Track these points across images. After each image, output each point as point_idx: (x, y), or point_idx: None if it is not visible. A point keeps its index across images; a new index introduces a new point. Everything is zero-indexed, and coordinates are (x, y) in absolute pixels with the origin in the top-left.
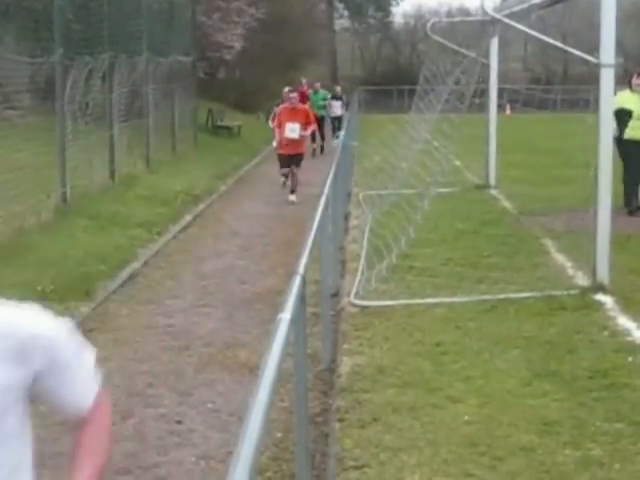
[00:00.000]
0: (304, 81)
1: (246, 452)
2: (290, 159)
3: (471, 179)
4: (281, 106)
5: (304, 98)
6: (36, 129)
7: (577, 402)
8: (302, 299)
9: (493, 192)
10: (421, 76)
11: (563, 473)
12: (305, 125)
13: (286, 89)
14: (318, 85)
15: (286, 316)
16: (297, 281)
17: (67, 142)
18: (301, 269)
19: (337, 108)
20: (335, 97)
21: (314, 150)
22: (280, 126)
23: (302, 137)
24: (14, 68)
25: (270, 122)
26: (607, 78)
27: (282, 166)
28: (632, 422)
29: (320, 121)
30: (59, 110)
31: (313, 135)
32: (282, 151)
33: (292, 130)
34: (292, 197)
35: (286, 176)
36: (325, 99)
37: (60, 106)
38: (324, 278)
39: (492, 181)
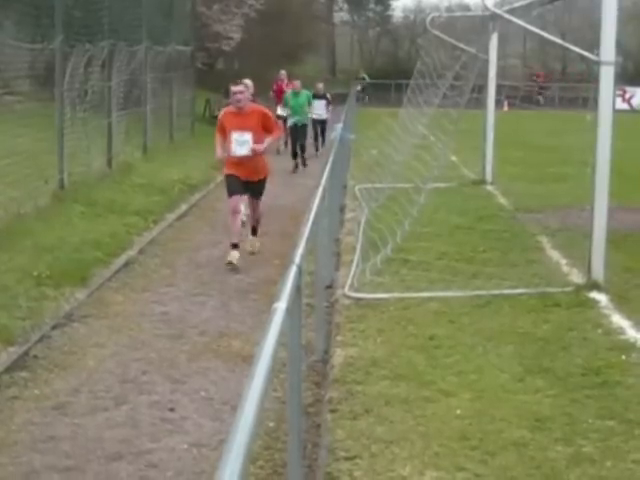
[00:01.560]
0: (283, 73)
1: (239, 440)
2: (246, 186)
3: (468, 174)
4: (224, 109)
5: (280, 95)
6: (35, 115)
7: (569, 399)
8: (298, 289)
9: (489, 188)
10: (415, 70)
11: (554, 469)
12: (259, 135)
13: (237, 87)
14: (298, 84)
15: (282, 305)
16: (293, 271)
17: (65, 129)
18: (297, 259)
19: (320, 109)
20: (317, 96)
21: (296, 166)
22: (225, 137)
23: (258, 153)
24: (14, 54)
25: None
26: (607, 76)
27: (231, 193)
28: (624, 420)
29: (302, 131)
30: (58, 97)
31: (293, 148)
32: (232, 171)
33: (240, 143)
34: (251, 246)
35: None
36: (309, 102)
37: (59, 93)
38: (319, 269)
39: (489, 177)
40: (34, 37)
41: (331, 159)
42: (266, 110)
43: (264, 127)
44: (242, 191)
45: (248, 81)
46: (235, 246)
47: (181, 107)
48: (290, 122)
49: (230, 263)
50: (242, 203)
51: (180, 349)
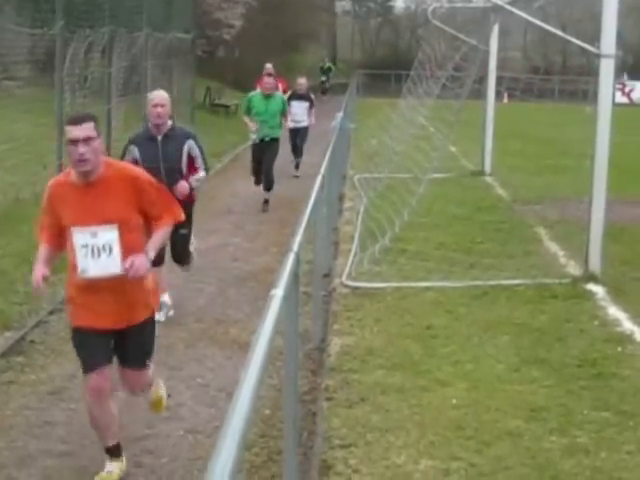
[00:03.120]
0: (269, 67)
1: (234, 427)
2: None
3: (467, 165)
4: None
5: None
6: (34, 101)
7: (565, 390)
8: (295, 277)
9: (488, 179)
10: (416, 60)
11: (549, 459)
12: (131, 232)
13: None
14: (271, 82)
15: (279, 292)
16: (291, 258)
17: (65, 114)
18: (295, 247)
19: (300, 113)
20: (297, 95)
21: (265, 201)
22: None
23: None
24: (14, 39)
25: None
26: (607, 69)
27: (88, 365)
28: (619, 411)
29: (269, 149)
30: (58, 82)
31: (256, 174)
32: (83, 319)
33: (94, 254)
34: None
35: None
36: (283, 110)
37: (59, 78)
38: (317, 258)
39: (488, 168)
40: (34, 22)
41: (330, 148)
42: (141, 174)
43: (144, 212)
44: (107, 356)
45: (162, 93)
46: (112, 452)
47: (181, 94)
48: (254, 138)
49: None
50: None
51: (177, 336)
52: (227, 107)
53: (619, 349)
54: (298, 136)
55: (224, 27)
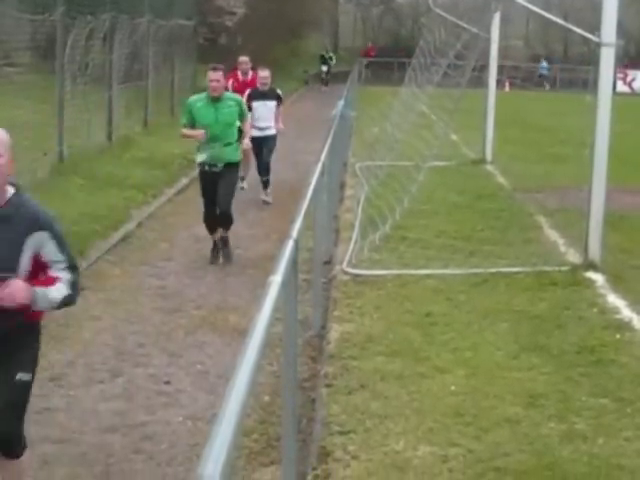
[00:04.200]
0: (244, 60)
1: (231, 412)
2: None
3: (467, 154)
4: None
5: (243, 91)
6: (35, 87)
7: (564, 376)
8: (294, 263)
9: (489, 167)
10: (418, 48)
11: (547, 445)
12: None
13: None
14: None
15: (277, 279)
16: (290, 245)
17: (65, 101)
18: (294, 233)
19: (265, 117)
20: (260, 94)
21: (214, 247)
22: None
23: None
24: (15, 25)
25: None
26: (607, 57)
27: None
28: (617, 398)
29: (223, 181)
30: (58, 69)
31: (207, 214)
32: None
33: None
34: None
35: None
36: (241, 113)
37: (60, 65)
38: (317, 245)
39: (488, 156)
40: (35, 8)
41: (331, 136)
42: None
43: None
44: None
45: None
46: None
47: (182, 82)
48: (200, 160)
49: None
50: None
51: (177, 323)
52: None
53: (618, 336)
54: (264, 147)
55: (226, 14)
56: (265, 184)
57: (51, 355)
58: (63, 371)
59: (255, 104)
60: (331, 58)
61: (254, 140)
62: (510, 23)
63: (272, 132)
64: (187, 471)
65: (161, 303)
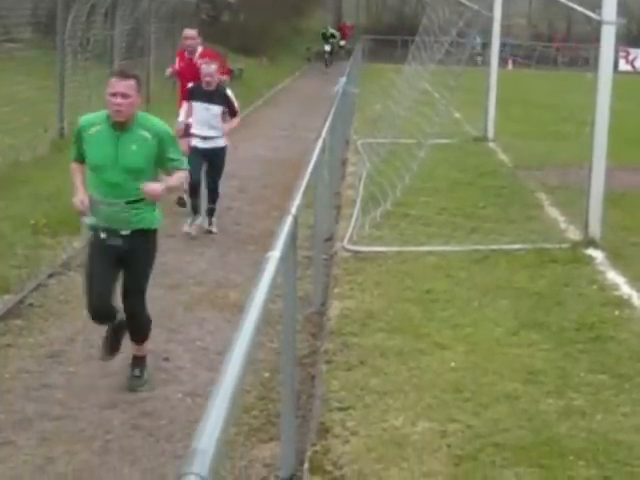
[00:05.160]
0: (191, 34)
1: (227, 385)
2: None
3: (470, 131)
4: None
5: (185, 79)
6: (36, 63)
7: (563, 353)
8: (293, 239)
9: (491, 145)
10: (421, 26)
11: (545, 421)
12: None
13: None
14: (126, 91)
15: (275, 254)
16: (289, 221)
17: (66, 77)
18: (293, 209)
19: (210, 124)
20: (203, 94)
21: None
22: None
23: None
24: (16, 0)
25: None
26: (608, 35)
27: None
28: (615, 374)
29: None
30: (59, 45)
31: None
32: None
33: None
34: None
35: None
36: (164, 154)
37: (61, 41)
38: (318, 222)
39: (490, 134)
40: None
41: (332, 113)
42: None
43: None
44: None
45: None
46: None
47: None
48: (89, 222)
49: None
50: None
51: (177, 299)
52: (231, 72)
53: (617, 313)
54: (209, 163)
55: None
56: (210, 212)
57: (50, 332)
58: (62, 348)
59: (195, 105)
60: (333, 36)
61: (197, 152)
62: (513, 1)
63: (220, 144)
64: (186, 447)
65: (161, 280)
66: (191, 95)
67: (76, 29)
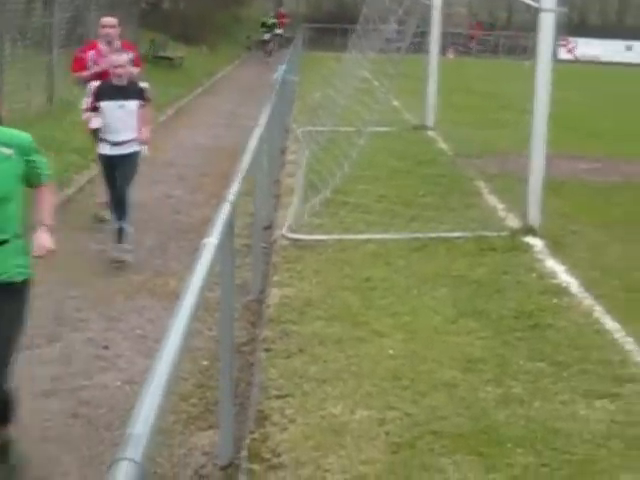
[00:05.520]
0: (109, 22)
1: (161, 371)
2: None
3: (410, 120)
4: None
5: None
6: None
7: (501, 341)
8: (230, 226)
9: (431, 133)
10: (362, 15)
11: (483, 409)
12: None
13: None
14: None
15: (212, 241)
16: (226, 208)
17: (5, 65)
18: (231, 197)
19: (122, 125)
20: (112, 89)
21: None
22: None
23: None
24: None
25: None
26: (546, 23)
27: None
28: (554, 362)
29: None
30: None
31: None
32: None
33: None
34: None
35: None
36: (30, 173)
37: None
38: (257, 210)
39: (430, 122)
40: None
41: (272, 101)
42: None
43: None
44: None
45: None
46: None
47: None
48: None
49: None
50: None
51: (116, 288)
52: (171, 59)
53: (555, 301)
54: (118, 172)
55: None
56: (120, 234)
57: None
58: None
59: (106, 106)
60: (274, 25)
61: (106, 159)
62: None
63: (133, 149)
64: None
65: (100, 268)
66: (99, 95)
67: (14, 16)
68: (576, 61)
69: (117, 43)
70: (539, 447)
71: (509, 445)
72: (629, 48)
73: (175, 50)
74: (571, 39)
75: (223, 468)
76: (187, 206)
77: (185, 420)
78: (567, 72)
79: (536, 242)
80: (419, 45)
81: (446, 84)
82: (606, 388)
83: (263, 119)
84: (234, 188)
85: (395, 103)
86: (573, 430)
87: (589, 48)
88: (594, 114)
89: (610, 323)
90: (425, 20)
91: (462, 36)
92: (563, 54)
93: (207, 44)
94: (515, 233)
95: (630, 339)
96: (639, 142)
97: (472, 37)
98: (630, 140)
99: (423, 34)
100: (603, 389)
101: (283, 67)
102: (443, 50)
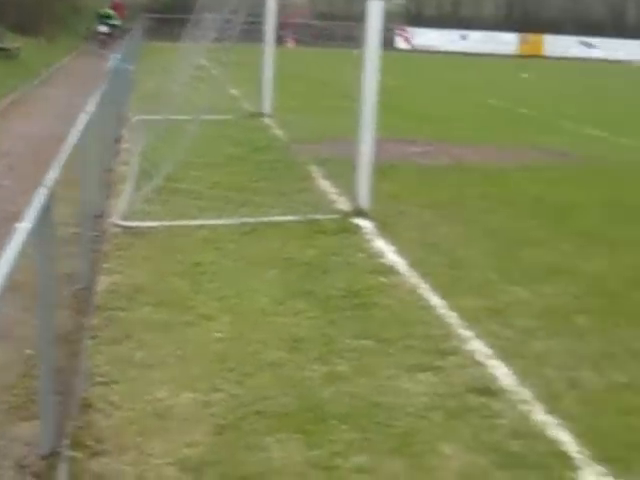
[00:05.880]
0: None
1: None
2: None
3: (247, 107)
4: None
5: None
6: None
7: (328, 320)
8: (47, 212)
9: (267, 120)
10: (197, 4)
11: (309, 387)
12: None
13: None
14: None
15: (25, 225)
16: (42, 193)
17: None
18: (48, 182)
19: None
20: None
21: None
22: None
23: None
24: None
25: None
26: (375, 12)
27: None
28: (379, 339)
29: None
30: None
31: None
32: None
33: None
34: None
35: None
36: None
37: None
38: (83, 197)
39: (267, 109)
40: None
41: (103, 89)
42: None
43: None
44: None
45: None
46: None
47: None
48: None
49: None
50: None
51: None
52: (7, 50)
53: (382, 280)
54: None
55: None
56: None
57: None
58: None
59: None
60: (109, 16)
61: None
62: None
63: None
64: None
65: None
66: None
67: None
68: (413, 50)
69: None
70: (363, 422)
71: (334, 422)
72: (464, 37)
73: (12, 41)
74: (408, 29)
75: (45, 457)
76: (16, 195)
77: (7, 410)
78: (404, 60)
79: (366, 224)
80: (254, 34)
81: (284, 72)
82: (429, 362)
83: (90, 106)
84: (52, 174)
85: (233, 91)
86: (396, 404)
87: (426, 38)
88: (428, 100)
89: (435, 299)
90: (259, 10)
91: (301, 25)
92: (401, 43)
93: (45, 35)
94: (345, 216)
95: (453, 314)
96: (470, 126)
97: (282, 28)
98: (461, 124)
99: (253, 24)
100: (426, 363)
101: (117, 56)
102: (281, 39)
